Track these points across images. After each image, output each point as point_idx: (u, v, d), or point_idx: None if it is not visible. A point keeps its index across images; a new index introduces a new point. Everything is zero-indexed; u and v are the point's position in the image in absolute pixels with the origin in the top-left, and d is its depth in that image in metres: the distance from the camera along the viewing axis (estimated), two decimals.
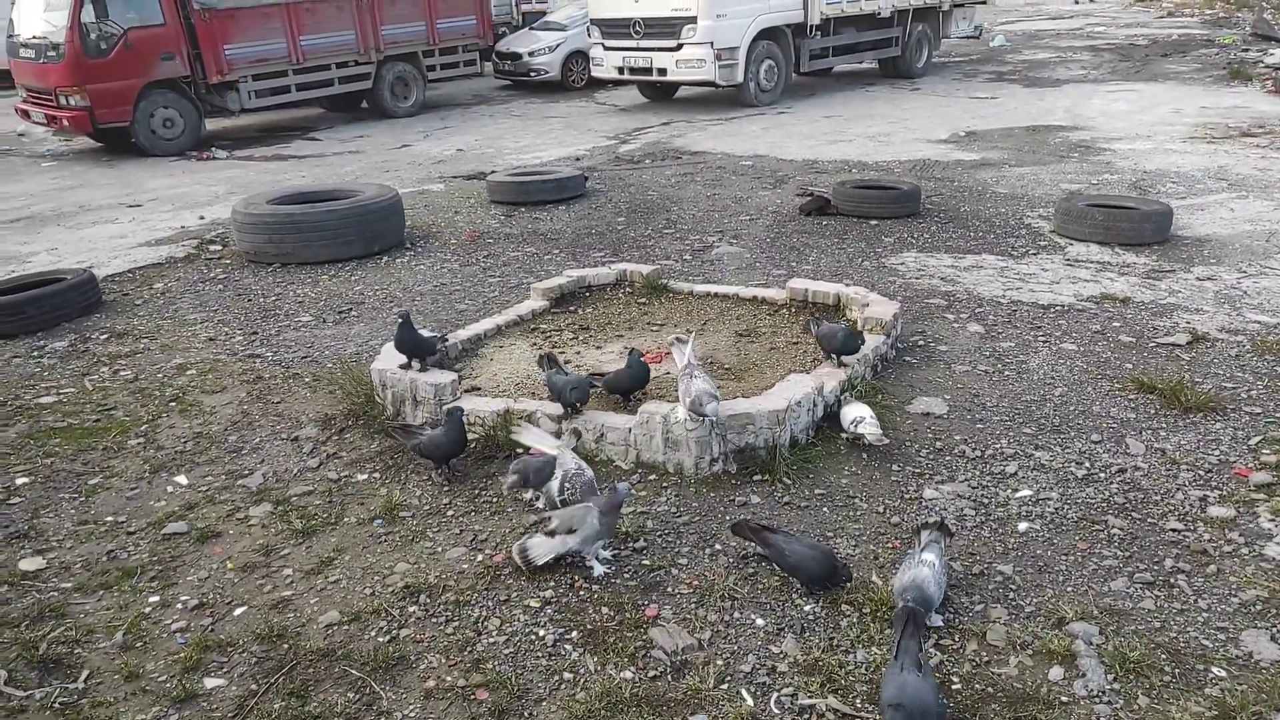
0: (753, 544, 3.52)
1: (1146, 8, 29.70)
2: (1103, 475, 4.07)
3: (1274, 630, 3.10)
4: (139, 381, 5.50)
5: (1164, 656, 3.01)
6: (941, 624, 3.16)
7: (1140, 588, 3.35)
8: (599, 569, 3.49)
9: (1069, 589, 3.36)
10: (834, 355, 4.76)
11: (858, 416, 4.26)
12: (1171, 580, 3.38)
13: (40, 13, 13.04)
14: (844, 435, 4.34)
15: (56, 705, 3.00)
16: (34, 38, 13.10)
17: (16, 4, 13.68)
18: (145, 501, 4.20)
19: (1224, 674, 2.93)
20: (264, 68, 14.33)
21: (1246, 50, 18.51)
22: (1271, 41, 18.85)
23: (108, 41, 12.76)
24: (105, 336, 6.25)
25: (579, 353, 5.29)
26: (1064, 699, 2.87)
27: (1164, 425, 4.47)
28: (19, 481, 4.40)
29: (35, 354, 5.98)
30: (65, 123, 12.99)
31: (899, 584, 3.13)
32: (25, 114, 13.79)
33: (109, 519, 4.07)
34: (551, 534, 3.45)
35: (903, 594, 3.06)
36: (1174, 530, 3.66)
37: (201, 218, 9.50)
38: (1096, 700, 2.86)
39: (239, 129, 15.55)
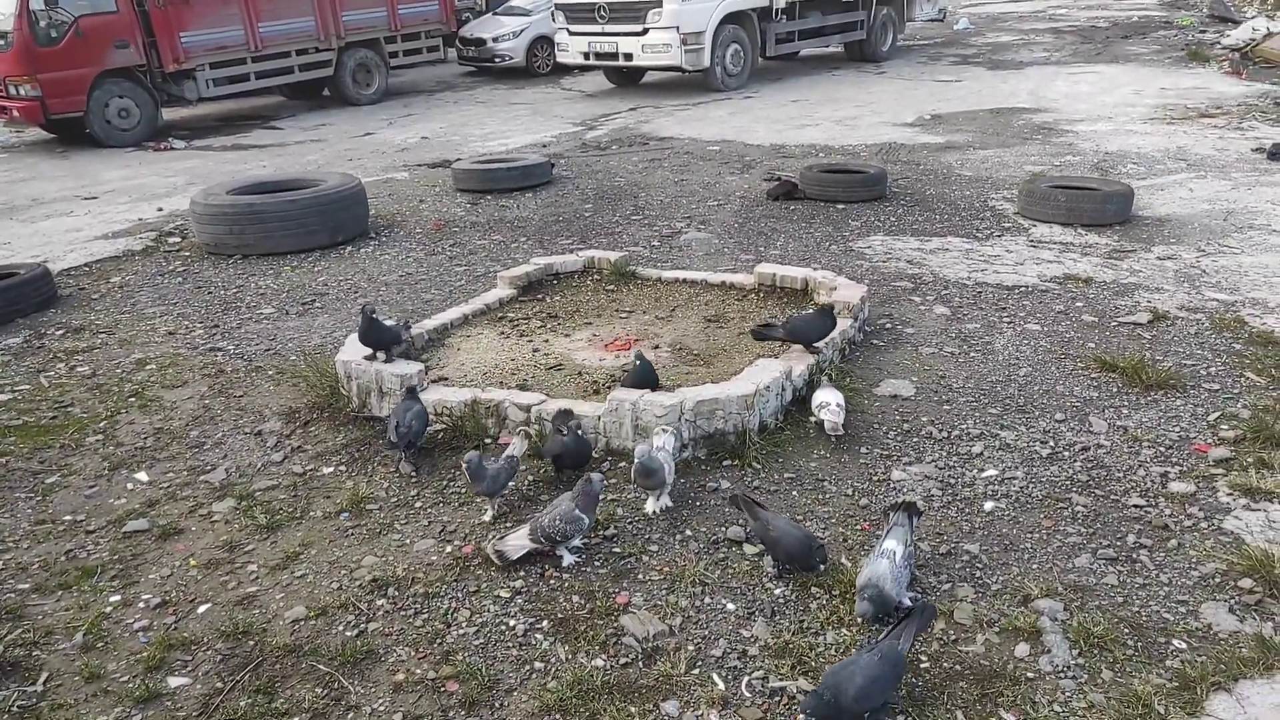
0: (743, 518, 3.53)
1: None
2: (1066, 454, 4.12)
3: (1232, 602, 3.16)
4: (97, 377, 5.39)
5: (1127, 630, 3.06)
6: (910, 603, 3.18)
7: (1103, 563, 3.39)
8: (568, 558, 3.47)
9: (1034, 566, 3.40)
10: (809, 345, 4.73)
11: (823, 402, 4.27)
12: (1134, 555, 3.43)
13: None
14: (812, 419, 4.35)
15: (15, 709, 2.93)
16: None
17: None
18: (105, 499, 4.11)
19: (1184, 646, 2.99)
20: (222, 55, 14.06)
21: (1204, 32, 18.78)
22: (1228, 23, 19.13)
23: (58, 29, 12.45)
24: (61, 332, 6.11)
25: (547, 340, 5.26)
26: (1030, 675, 2.90)
27: (1126, 403, 4.53)
28: None
29: None
30: (16, 113, 12.68)
31: (859, 583, 3.11)
32: None
33: (67, 518, 3.98)
34: (538, 539, 3.43)
35: (861, 592, 3.06)
36: (1136, 506, 3.72)
37: (159, 209, 9.32)
38: (1062, 675, 2.90)
39: (197, 118, 15.25)
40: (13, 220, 9.20)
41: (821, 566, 3.33)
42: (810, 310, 4.96)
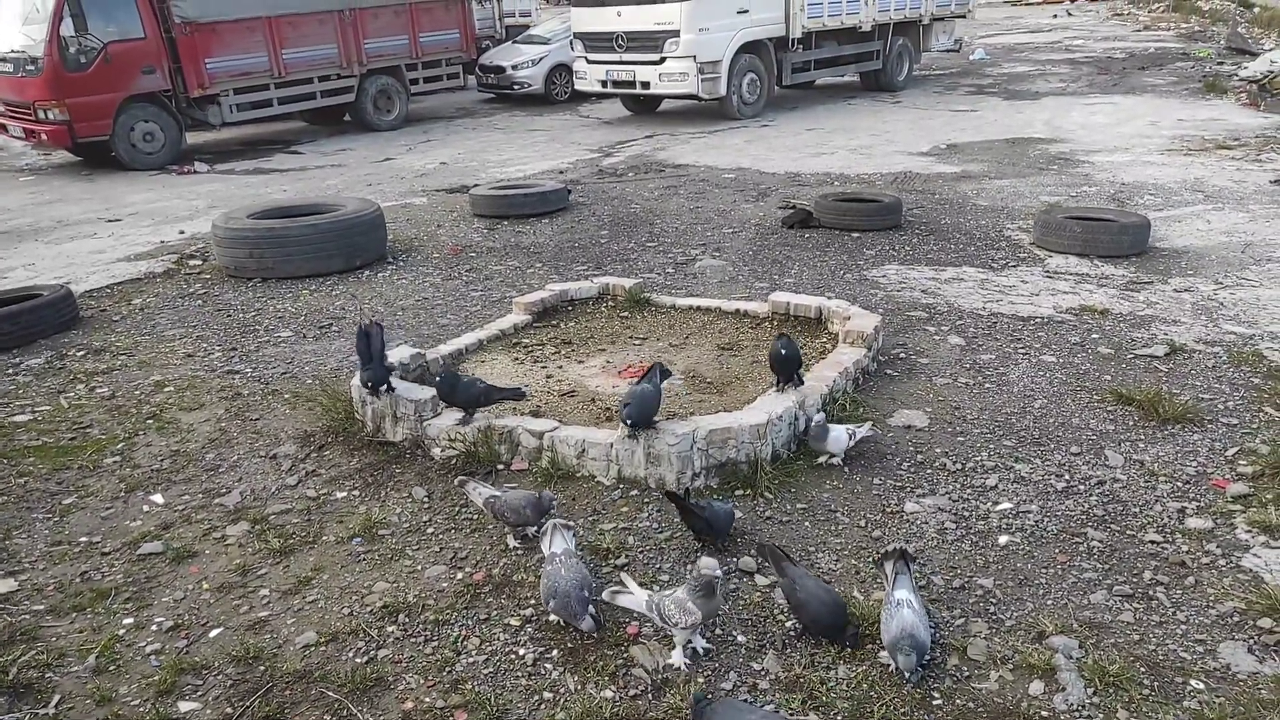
0: (769, 568, 3.42)
1: (1124, 21, 30.11)
2: (1082, 487, 4.08)
3: (1251, 642, 3.11)
4: (116, 399, 5.44)
5: (1143, 669, 3.02)
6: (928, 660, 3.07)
7: (1119, 600, 3.36)
8: (587, 623, 3.24)
9: (1049, 602, 3.36)
10: (793, 377, 4.49)
11: (852, 430, 4.26)
12: (1150, 592, 3.39)
13: (18, 26, 12.96)
14: (833, 458, 4.27)
15: None
16: (12, 51, 13.01)
17: None
18: (120, 521, 4.14)
19: (1202, 686, 2.94)
20: (245, 81, 14.29)
21: (1221, 64, 18.78)
22: (1246, 55, 19.13)
23: (87, 55, 12.69)
24: (82, 353, 6.18)
25: (561, 366, 5.28)
26: (1044, 713, 2.86)
27: (1142, 437, 4.50)
28: None
29: (10, 371, 5.90)
30: (44, 137, 12.90)
31: (889, 639, 2.99)
32: (3, 128, 13.67)
33: (83, 539, 4.01)
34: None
35: (896, 649, 2.95)
36: (1152, 542, 3.68)
37: (181, 232, 9.45)
38: (1076, 714, 2.86)
39: (220, 143, 15.49)
40: (38, 242, 9.35)
41: (850, 644, 3.11)
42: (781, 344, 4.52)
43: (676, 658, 3.11)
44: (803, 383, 4.52)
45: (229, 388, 5.52)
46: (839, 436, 4.26)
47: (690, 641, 3.14)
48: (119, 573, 3.76)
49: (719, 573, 3.06)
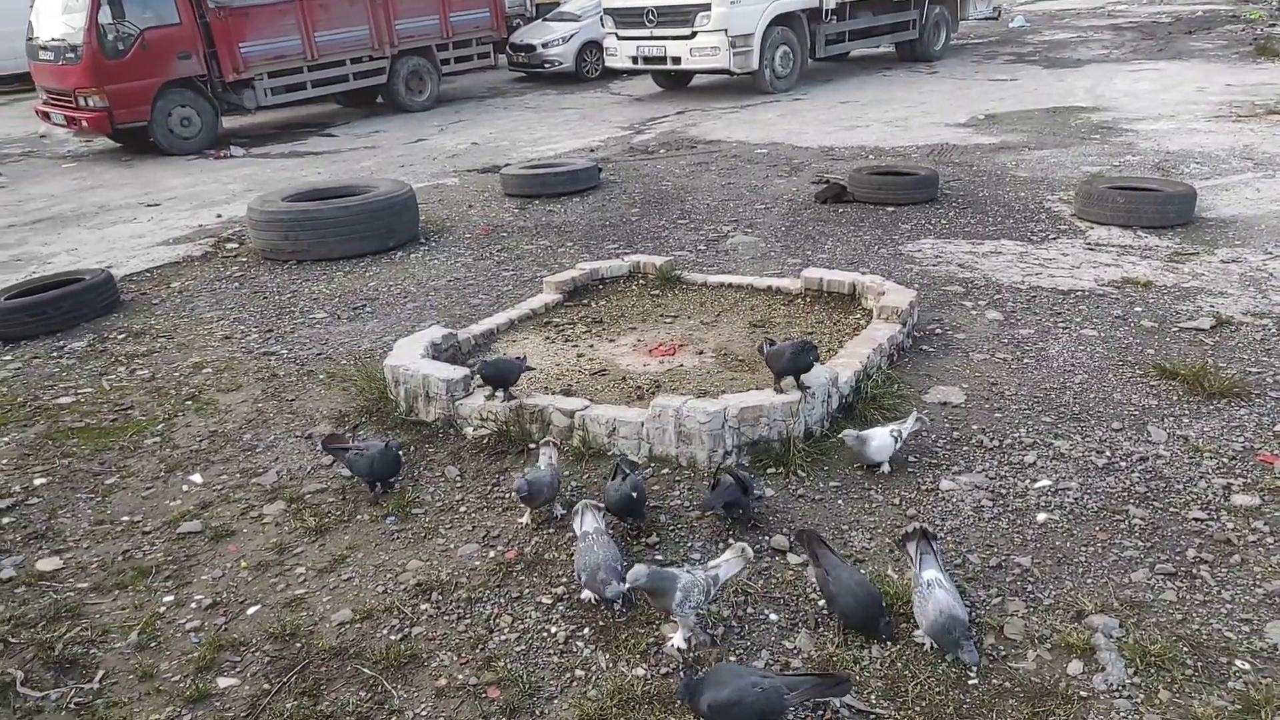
0: (802, 549, 3.36)
1: None
2: (1124, 464, 3.99)
3: None
4: (156, 381, 5.54)
5: (1186, 649, 2.95)
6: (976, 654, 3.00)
7: (1162, 579, 3.28)
8: (614, 588, 3.23)
9: (1089, 581, 3.30)
10: (786, 376, 4.15)
11: (896, 430, 4.02)
12: (1194, 571, 3.31)
13: (58, 15, 13.16)
14: (881, 467, 4.04)
15: (72, 705, 3.02)
16: (53, 40, 13.23)
17: (35, 7, 13.83)
18: (161, 501, 4.22)
19: (1248, 667, 2.87)
20: (279, 65, 14.39)
21: (1273, 25, 18.12)
22: None
23: (125, 42, 12.86)
24: (123, 336, 6.30)
25: (592, 345, 5.27)
26: (1083, 694, 2.81)
27: (1186, 412, 4.38)
28: (37, 482, 4.44)
29: (54, 354, 6.03)
30: (85, 124, 13.11)
31: (927, 623, 2.93)
32: (46, 116, 13.92)
33: (125, 519, 4.10)
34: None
35: (942, 632, 2.89)
36: (1196, 520, 3.59)
37: (219, 216, 9.56)
38: (1116, 695, 2.80)
39: (255, 126, 15.63)
40: (80, 227, 9.52)
41: (888, 640, 3.03)
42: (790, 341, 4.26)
43: (676, 638, 3.11)
44: (800, 389, 4.20)
45: (265, 369, 5.59)
46: (884, 444, 3.98)
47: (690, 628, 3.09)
48: (159, 551, 3.84)
49: (625, 586, 3.06)
